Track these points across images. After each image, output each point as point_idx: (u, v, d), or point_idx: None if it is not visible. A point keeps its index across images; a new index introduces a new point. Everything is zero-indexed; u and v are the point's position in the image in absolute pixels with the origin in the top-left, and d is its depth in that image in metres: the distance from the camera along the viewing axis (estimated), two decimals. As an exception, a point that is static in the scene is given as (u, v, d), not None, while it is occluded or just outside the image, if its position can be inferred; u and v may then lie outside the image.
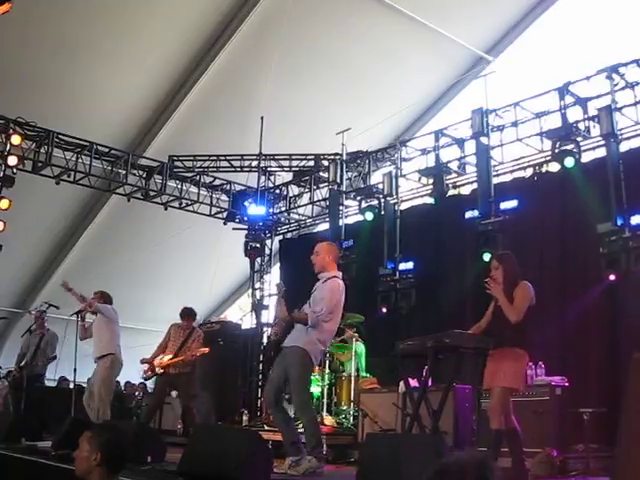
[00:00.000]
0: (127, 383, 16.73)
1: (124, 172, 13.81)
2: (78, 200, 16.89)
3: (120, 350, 10.14)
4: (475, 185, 11.63)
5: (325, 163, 14.47)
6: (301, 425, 6.97)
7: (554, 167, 10.82)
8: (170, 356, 10.39)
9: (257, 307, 15.51)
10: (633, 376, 4.36)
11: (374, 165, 13.99)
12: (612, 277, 9.17)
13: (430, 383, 7.00)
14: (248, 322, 15.80)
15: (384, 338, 10.63)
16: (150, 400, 11.12)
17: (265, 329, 14.63)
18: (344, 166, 13.44)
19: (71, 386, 13.96)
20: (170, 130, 15.77)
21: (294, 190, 15.77)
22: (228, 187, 15.46)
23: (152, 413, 10.88)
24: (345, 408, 10.27)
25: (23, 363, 12.41)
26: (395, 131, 16.83)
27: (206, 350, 10.35)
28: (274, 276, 16.24)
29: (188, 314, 10.87)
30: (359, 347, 10.86)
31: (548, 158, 11.01)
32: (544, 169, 11.40)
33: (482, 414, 7.81)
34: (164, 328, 11.02)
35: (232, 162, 15.21)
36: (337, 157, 13.68)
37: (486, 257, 10.30)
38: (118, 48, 13.96)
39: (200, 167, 15.04)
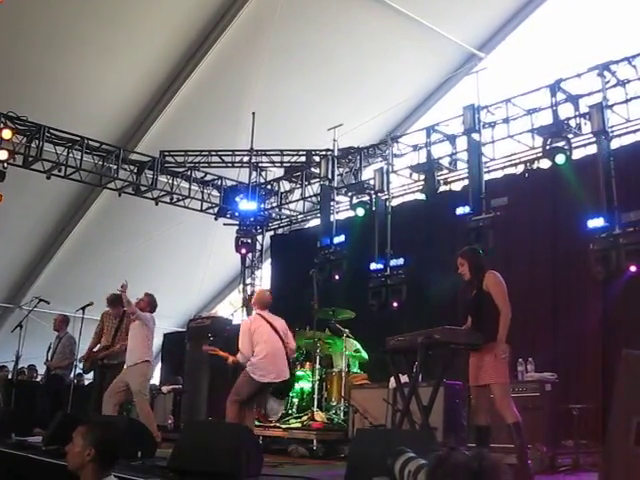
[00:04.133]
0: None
1: (115, 167, 13.80)
2: (69, 195, 16.85)
3: (152, 355, 10.09)
4: (466, 181, 11.63)
5: (316, 159, 14.48)
6: None
7: (545, 164, 10.86)
8: (105, 345, 10.56)
9: (248, 303, 15.51)
10: (622, 373, 4.38)
11: (365, 161, 14.02)
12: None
13: (420, 379, 7.02)
14: (239, 318, 15.80)
15: (375, 334, 10.64)
16: (95, 394, 10.87)
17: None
18: (335, 162, 13.44)
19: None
20: (161, 125, 15.73)
21: (285, 186, 15.78)
22: (219, 182, 15.47)
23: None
24: (335, 404, 10.29)
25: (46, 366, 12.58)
26: (387, 127, 16.81)
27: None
28: (265, 272, 16.26)
29: (111, 302, 10.76)
30: (354, 344, 10.92)
31: (539, 155, 11.04)
32: (535, 166, 11.44)
33: (472, 410, 7.82)
34: (156, 324, 11.00)
35: (223, 157, 15.19)
36: (328, 153, 13.68)
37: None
38: (111, 43, 13.92)
39: (191, 162, 15.02)
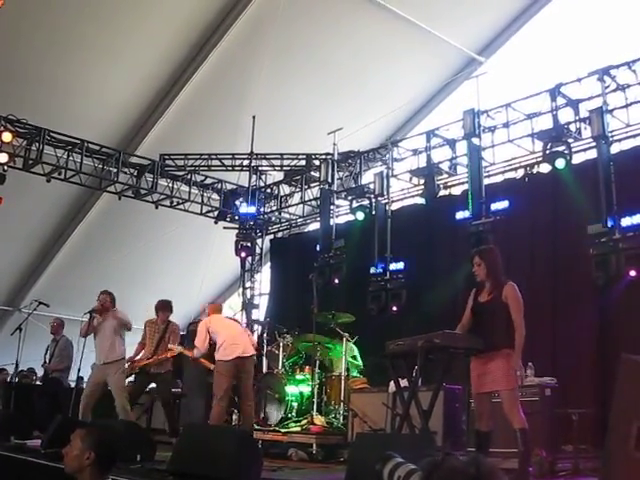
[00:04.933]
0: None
1: (115, 170, 13.81)
2: (69, 198, 16.85)
3: None
4: (466, 186, 11.61)
5: (316, 163, 14.48)
6: None
7: (545, 168, 10.83)
8: (147, 355, 10.56)
9: (247, 306, 15.52)
10: (621, 377, 4.38)
11: (365, 165, 14.01)
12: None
13: (420, 383, 7.01)
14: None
15: (374, 338, 10.64)
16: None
17: (256, 327, 14.60)
18: (335, 166, 13.43)
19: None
20: (161, 129, 15.73)
21: (285, 189, 15.78)
22: (219, 186, 15.46)
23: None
24: (335, 408, 10.30)
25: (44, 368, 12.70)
26: (387, 131, 16.81)
27: (179, 349, 10.31)
28: (265, 275, 16.26)
29: (161, 307, 10.82)
30: (353, 349, 10.94)
31: (539, 159, 11.03)
32: (535, 170, 11.42)
33: (472, 414, 7.81)
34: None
35: (223, 161, 15.19)
36: (328, 157, 13.66)
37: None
38: (111, 46, 13.92)
39: (191, 166, 15.03)
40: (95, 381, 9.75)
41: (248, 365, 9.21)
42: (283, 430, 9.94)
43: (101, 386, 9.71)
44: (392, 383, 8.13)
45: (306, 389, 10.38)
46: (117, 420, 9.15)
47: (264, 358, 11.72)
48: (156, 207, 14.58)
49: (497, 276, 6.51)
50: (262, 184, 15.70)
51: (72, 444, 4.28)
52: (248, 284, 15.85)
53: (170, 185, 14.71)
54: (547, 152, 10.28)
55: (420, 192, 12.58)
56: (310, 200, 15.16)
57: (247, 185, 15.08)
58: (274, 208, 16.01)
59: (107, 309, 9.95)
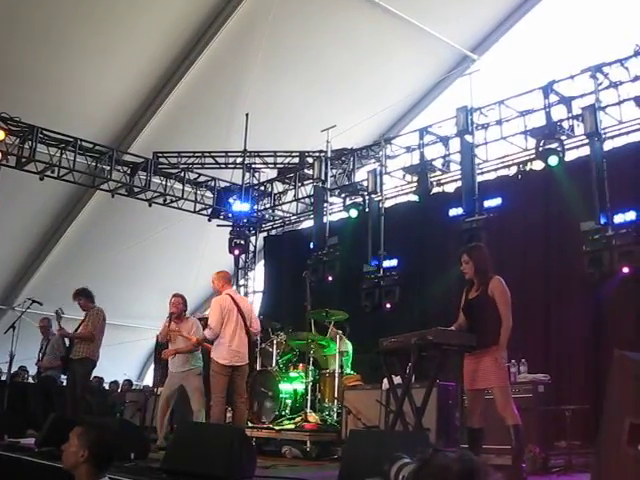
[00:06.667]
0: (112, 382, 16.61)
1: (108, 168, 13.78)
2: (62, 196, 16.84)
3: None
4: (459, 183, 11.65)
5: (310, 160, 14.48)
6: None
7: (538, 165, 10.86)
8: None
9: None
10: (614, 374, 4.40)
11: (359, 162, 14.03)
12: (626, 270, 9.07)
13: (414, 380, 7.03)
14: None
15: (368, 335, 10.64)
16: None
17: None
18: (329, 163, 13.43)
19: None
20: (155, 126, 15.73)
21: (279, 187, 15.78)
22: (213, 184, 15.46)
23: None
24: (329, 405, 10.28)
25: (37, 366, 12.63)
26: (380, 128, 16.83)
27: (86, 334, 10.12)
28: (258, 273, 16.26)
29: (76, 294, 10.63)
30: (347, 345, 10.92)
31: (532, 156, 11.05)
32: (528, 167, 11.44)
33: (465, 411, 7.82)
34: (148, 325, 10.97)
35: (217, 159, 15.19)
36: (322, 154, 13.67)
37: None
38: (104, 44, 13.91)
39: (185, 163, 15.02)
40: (171, 386, 9.65)
41: (244, 366, 9.16)
42: (277, 427, 9.94)
43: (174, 391, 9.62)
44: (386, 380, 8.13)
45: (300, 386, 10.38)
46: (112, 418, 9.15)
47: (258, 356, 11.72)
48: (149, 205, 14.57)
49: (484, 272, 6.53)
50: (255, 182, 15.71)
51: (70, 441, 4.40)
52: (242, 282, 15.86)
53: (163, 183, 14.70)
54: (540, 149, 10.29)
55: (413, 189, 12.59)
56: (303, 197, 15.17)
57: (240, 183, 15.08)
58: (267, 206, 16.01)
59: (181, 312, 9.85)
